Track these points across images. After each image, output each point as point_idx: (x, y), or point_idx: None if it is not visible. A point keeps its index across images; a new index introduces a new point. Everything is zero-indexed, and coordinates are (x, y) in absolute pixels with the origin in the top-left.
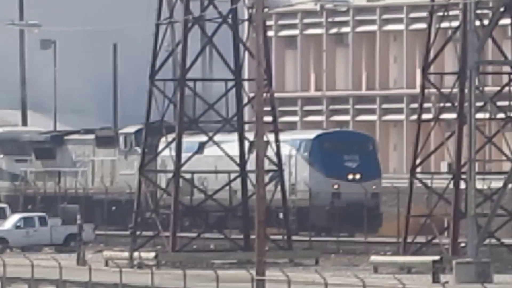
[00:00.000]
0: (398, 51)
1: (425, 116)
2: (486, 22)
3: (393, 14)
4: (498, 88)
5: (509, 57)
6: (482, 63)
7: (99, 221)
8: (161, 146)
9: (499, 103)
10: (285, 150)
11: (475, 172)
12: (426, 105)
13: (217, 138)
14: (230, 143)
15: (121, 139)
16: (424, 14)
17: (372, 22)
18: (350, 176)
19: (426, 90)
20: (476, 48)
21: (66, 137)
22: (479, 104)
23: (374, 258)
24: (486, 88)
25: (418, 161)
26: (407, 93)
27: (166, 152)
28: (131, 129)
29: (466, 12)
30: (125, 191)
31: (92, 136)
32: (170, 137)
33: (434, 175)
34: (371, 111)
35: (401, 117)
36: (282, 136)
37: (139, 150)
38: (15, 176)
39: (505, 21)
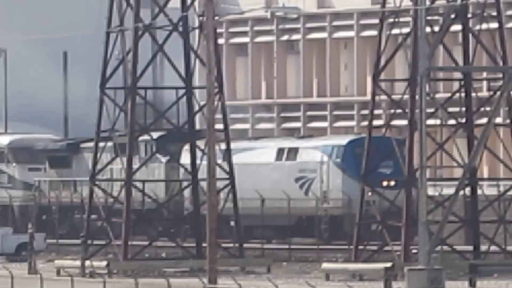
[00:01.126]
0: (349, 58)
1: (376, 122)
2: (436, 28)
3: (343, 21)
4: (449, 94)
5: (460, 64)
6: (433, 70)
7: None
8: (183, 154)
9: (450, 110)
10: (316, 156)
11: (426, 179)
12: (377, 111)
13: (243, 145)
14: (260, 150)
15: (142, 146)
16: (374, 21)
17: (322, 29)
18: (385, 183)
19: (377, 97)
20: (427, 54)
21: (82, 145)
22: (430, 110)
23: (325, 265)
24: (437, 95)
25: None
26: (358, 100)
27: (188, 160)
28: (152, 135)
29: (417, 19)
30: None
31: (110, 144)
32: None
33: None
34: (322, 118)
35: (352, 123)
36: (312, 142)
37: (161, 157)
38: (28, 186)
39: (455, 27)
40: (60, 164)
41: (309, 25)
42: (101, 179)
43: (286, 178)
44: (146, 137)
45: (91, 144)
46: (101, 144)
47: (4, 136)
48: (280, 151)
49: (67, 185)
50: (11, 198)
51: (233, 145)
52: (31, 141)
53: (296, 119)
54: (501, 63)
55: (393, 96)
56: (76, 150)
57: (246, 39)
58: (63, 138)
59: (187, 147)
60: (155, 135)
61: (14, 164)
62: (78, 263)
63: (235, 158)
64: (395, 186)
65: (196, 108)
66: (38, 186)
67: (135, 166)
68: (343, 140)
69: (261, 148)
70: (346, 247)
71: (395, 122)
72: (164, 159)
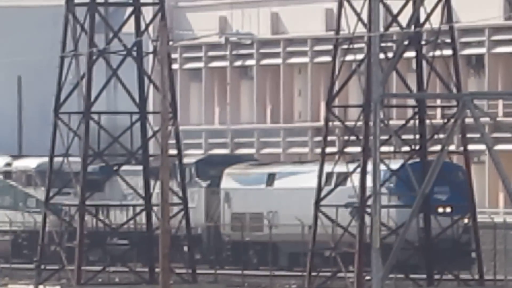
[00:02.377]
0: (303, 84)
1: (329, 149)
2: (390, 55)
3: (297, 47)
4: (403, 121)
5: (414, 90)
6: (387, 96)
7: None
8: (224, 178)
9: (404, 137)
10: (368, 181)
11: (380, 205)
12: (330, 138)
13: (290, 169)
14: (307, 174)
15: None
16: (328, 47)
17: (276, 55)
18: (440, 209)
19: (330, 123)
20: (381, 81)
21: (115, 168)
22: (384, 137)
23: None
24: (391, 122)
25: (322, 194)
26: (312, 126)
27: (230, 185)
28: (191, 159)
29: (371, 45)
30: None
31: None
32: (234, 168)
33: (339, 207)
34: (276, 144)
35: (306, 150)
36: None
37: (201, 182)
38: (58, 210)
39: (409, 54)
40: (92, 187)
41: (263, 50)
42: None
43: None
44: (185, 160)
45: (126, 167)
46: (139, 167)
47: (32, 159)
48: (329, 175)
49: (101, 209)
50: (35, 223)
51: (277, 169)
52: (60, 164)
53: (250, 144)
54: (455, 90)
55: (347, 123)
56: (109, 173)
57: (200, 65)
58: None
59: (228, 170)
60: (195, 158)
61: (42, 188)
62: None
63: (279, 184)
64: (451, 213)
65: (150, 133)
66: (68, 210)
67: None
68: (395, 164)
69: (308, 173)
70: (301, 273)
71: (349, 149)
72: (204, 184)
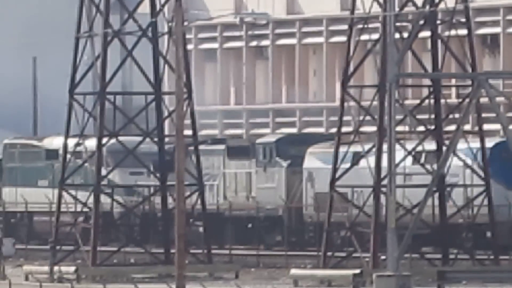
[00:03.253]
0: (318, 64)
1: (344, 129)
2: (405, 34)
3: (312, 27)
4: (418, 101)
5: (429, 70)
6: (402, 76)
7: (230, 241)
8: (307, 158)
9: (419, 116)
10: (457, 160)
11: (395, 185)
12: (346, 118)
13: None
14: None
15: (260, 149)
16: (344, 27)
17: (291, 35)
18: None
19: (345, 103)
20: (396, 61)
21: (190, 148)
22: (399, 117)
23: (294, 271)
24: (406, 101)
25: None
26: (327, 106)
27: (313, 164)
28: (271, 138)
29: (386, 25)
30: (265, 206)
31: (222, 147)
32: (318, 147)
33: (355, 188)
34: (291, 124)
35: (321, 130)
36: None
37: (281, 161)
38: (130, 191)
39: (424, 33)
40: (166, 168)
41: (278, 31)
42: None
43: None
44: (265, 139)
45: (201, 147)
46: (214, 147)
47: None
48: (417, 154)
49: (173, 190)
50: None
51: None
52: (133, 143)
53: (265, 125)
54: (470, 70)
55: (362, 103)
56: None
57: (215, 45)
58: (168, 141)
59: (311, 150)
60: (275, 137)
61: (115, 169)
62: (46, 268)
63: (365, 162)
64: None
65: (165, 113)
66: (142, 191)
67: (251, 170)
68: (489, 142)
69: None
70: (315, 253)
71: (364, 129)
72: (285, 163)
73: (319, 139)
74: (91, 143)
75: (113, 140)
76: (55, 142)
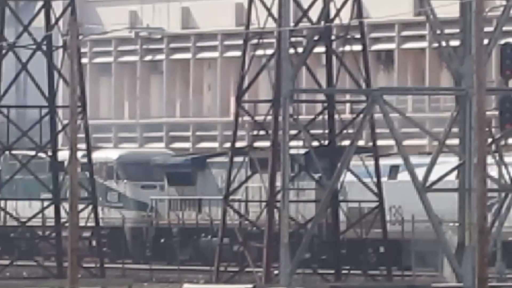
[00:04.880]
0: (212, 79)
1: (239, 144)
2: (300, 50)
3: (207, 42)
4: (312, 116)
5: (323, 86)
6: (296, 91)
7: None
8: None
9: (314, 132)
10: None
11: (289, 200)
12: (240, 133)
13: (415, 161)
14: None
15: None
16: (239, 41)
17: (186, 49)
18: None
19: (240, 118)
20: (290, 76)
21: (209, 160)
22: (293, 132)
23: (186, 286)
24: (300, 117)
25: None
26: (221, 121)
27: (347, 177)
28: (301, 150)
29: (281, 40)
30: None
31: (243, 159)
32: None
33: (249, 202)
34: (185, 139)
35: (215, 145)
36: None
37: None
38: (142, 205)
39: (319, 49)
40: (182, 181)
41: (173, 45)
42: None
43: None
44: (295, 151)
45: (220, 159)
46: (236, 159)
47: (114, 150)
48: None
49: (190, 204)
50: (123, 219)
51: (399, 161)
52: (145, 155)
53: (159, 139)
54: (364, 86)
55: (256, 118)
56: (201, 165)
57: (110, 59)
58: (184, 153)
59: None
60: (303, 150)
61: (125, 181)
62: None
63: (403, 176)
64: None
65: (59, 127)
66: (155, 205)
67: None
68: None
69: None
70: (208, 268)
71: (258, 144)
72: (316, 176)
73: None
74: (101, 155)
75: (123, 151)
76: None
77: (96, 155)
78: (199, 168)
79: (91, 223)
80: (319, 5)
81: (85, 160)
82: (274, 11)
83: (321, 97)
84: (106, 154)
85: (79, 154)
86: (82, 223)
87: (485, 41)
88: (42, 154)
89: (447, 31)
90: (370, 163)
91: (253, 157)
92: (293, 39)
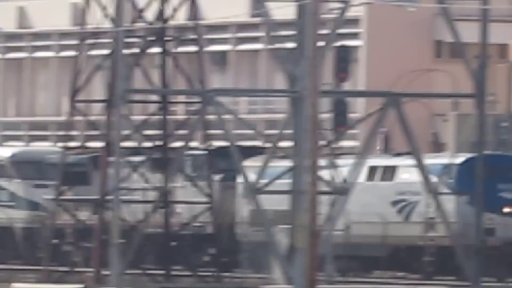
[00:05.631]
0: (47, 79)
1: (73, 144)
2: (135, 50)
3: (42, 41)
4: (146, 116)
5: (158, 86)
6: (130, 92)
7: None
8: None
9: (148, 132)
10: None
11: (119, 201)
12: (74, 132)
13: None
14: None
15: (188, 161)
16: (74, 41)
17: (21, 49)
18: (506, 209)
19: (73, 118)
20: (124, 76)
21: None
22: (127, 132)
23: (15, 285)
24: (135, 117)
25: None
26: (54, 121)
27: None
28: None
29: (116, 40)
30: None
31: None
32: (255, 161)
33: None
34: (19, 138)
35: (48, 144)
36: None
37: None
38: (35, 205)
39: (155, 49)
40: (77, 180)
41: (8, 44)
42: None
43: (380, 201)
44: (194, 151)
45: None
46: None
47: (6, 149)
48: (373, 169)
49: (87, 204)
50: (11, 219)
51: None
52: (38, 154)
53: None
54: (199, 87)
55: (91, 117)
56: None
57: None
58: (80, 152)
59: (247, 163)
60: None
61: (18, 180)
62: None
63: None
64: None
65: None
66: (47, 205)
67: (177, 184)
68: (457, 158)
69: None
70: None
71: (92, 144)
72: (217, 177)
73: (255, 152)
74: None
75: (16, 150)
76: None
77: None
78: (95, 167)
79: None
80: (155, 6)
81: None
82: (111, 10)
83: (156, 97)
84: None
85: None
86: None
87: (321, 43)
88: None
89: (284, 33)
90: None
91: (87, 157)
92: (128, 40)
